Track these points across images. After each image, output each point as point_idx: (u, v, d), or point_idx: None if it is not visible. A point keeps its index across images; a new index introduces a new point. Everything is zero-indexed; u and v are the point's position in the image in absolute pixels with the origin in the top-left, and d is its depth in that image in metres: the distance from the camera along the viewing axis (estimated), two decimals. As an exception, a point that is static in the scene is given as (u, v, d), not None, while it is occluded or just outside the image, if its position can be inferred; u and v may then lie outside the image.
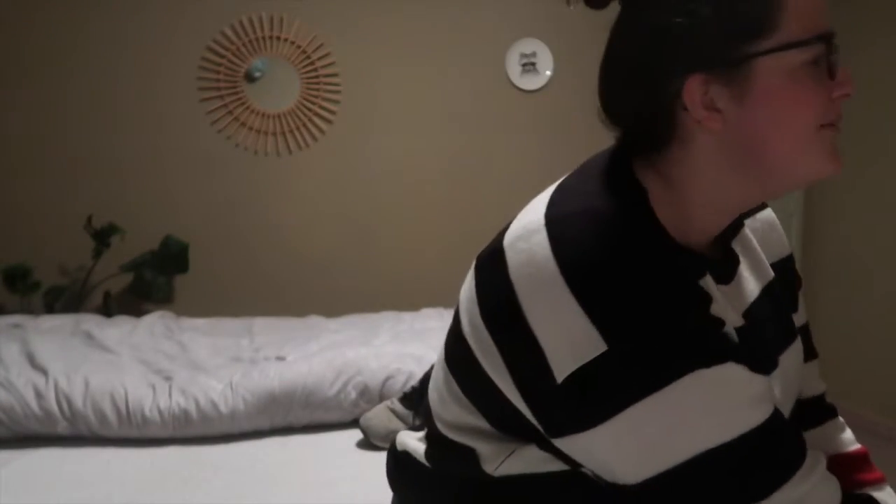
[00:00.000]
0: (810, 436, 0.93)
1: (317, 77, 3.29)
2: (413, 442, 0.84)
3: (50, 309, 2.91)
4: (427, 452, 0.81)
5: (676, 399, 0.61)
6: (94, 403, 1.73)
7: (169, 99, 3.18)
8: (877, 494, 0.88)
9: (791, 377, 0.82)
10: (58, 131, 3.09)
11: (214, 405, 1.76)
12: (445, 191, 3.46)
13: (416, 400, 1.73)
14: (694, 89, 0.66)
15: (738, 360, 0.64)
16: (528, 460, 0.71)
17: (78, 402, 1.73)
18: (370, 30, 3.35)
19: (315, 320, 2.65)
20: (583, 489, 0.70)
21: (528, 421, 0.69)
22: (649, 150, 0.72)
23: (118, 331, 2.25)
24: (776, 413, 0.65)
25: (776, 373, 0.78)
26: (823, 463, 0.68)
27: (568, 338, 0.62)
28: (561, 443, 0.67)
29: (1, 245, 3.03)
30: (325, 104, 3.31)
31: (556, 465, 0.70)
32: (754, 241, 0.85)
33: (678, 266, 0.66)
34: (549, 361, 0.63)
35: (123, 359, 2.01)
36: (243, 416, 1.77)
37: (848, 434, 0.97)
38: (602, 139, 0.78)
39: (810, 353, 0.94)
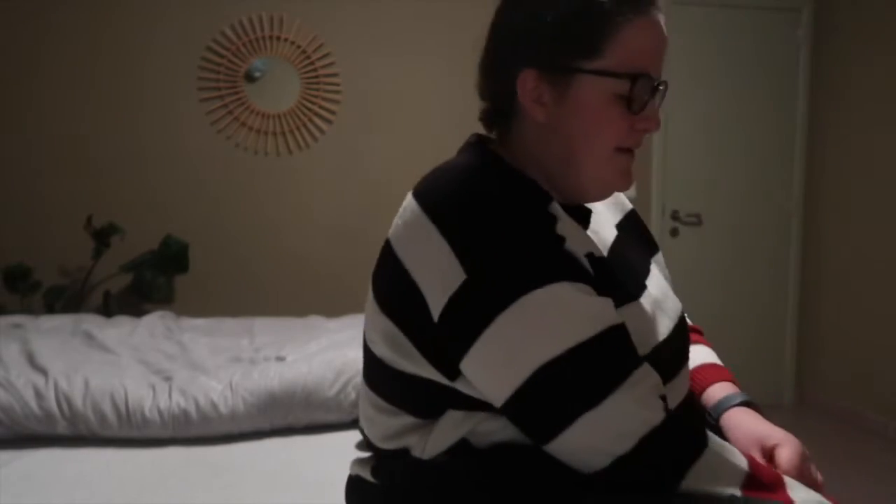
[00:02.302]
0: None
1: (317, 77, 3.29)
2: (360, 465, 0.91)
3: (50, 309, 2.91)
4: (373, 472, 0.87)
5: (516, 318, 0.69)
6: (94, 404, 1.73)
7: (169, 99, 3.18)
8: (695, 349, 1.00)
9: (660, 296, 0.89)
10: (58, 131, 3.09)
11: (214, 405, 1.75)
12: (445, 191, 3.46)
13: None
14: (526, 80, 0.79)
15: (574, 278, 0.71)
16: (448, 426, 0.77)
17: (78, 402, 1.73)
18: (370, 30, 3.35)
19: (315, 320, 2.64)
20: (499, 458, 0.75)
21: (439, 389, 0.76)
22: (499, 124, 0.86)
23: (118, 331, 2.25)
24: (610, 333, 0.72)
25: (646, 294, 0.87)
26: (655, 386, 0.73)
27: (438, 274, 0.71)
28: (459, 383, 0.74)
29: (1, 245, 3.03)
30: (325, 104, 3.31)
31: (473, 420, 0.76)
32: (599, 207, 0.96)
33: (526, 193, 0.76)
34: (428, 304, 0.72)
35: (123, 359, 2.01)
36: (243, 416, 1.77)
37: (705, 352, 1.05)
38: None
39: None
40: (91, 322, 2.37)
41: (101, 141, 3.14)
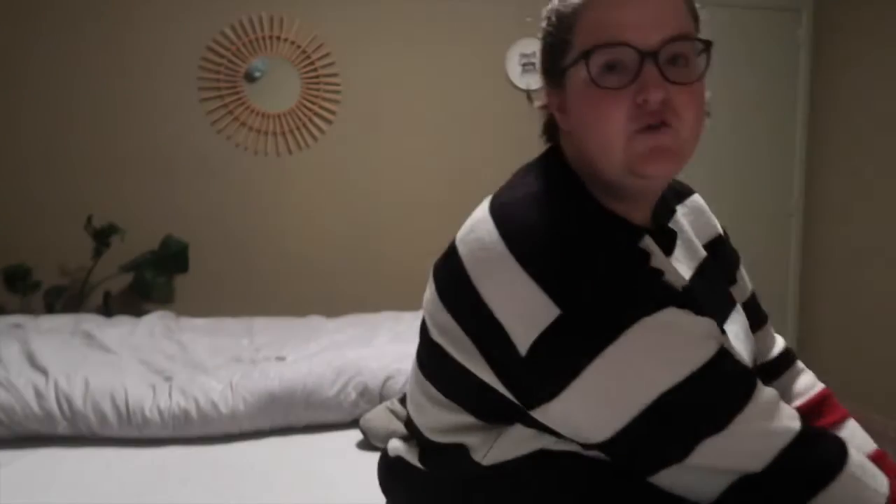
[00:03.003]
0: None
1: (317, 77, 3.29)
2: (405, 447, 0.86)
3: (50, 309, 2.91)
4: (420, 458, 0.83)
5: (627, 350, 0.64)
6: (94, 403, 1.73)
7: (169, 99, 3.18)
8: (840, 433, 0.90)
9: (740, 348, 0.85)
10: (58, 131, 3.09)
11: (214, 405, 1.75)
12: (445, 190, 3.46)
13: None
14: (550, 96, 0.81)
15: (680, 305, 0.68)
16: (514, 440, 0.73)
17: (78, 402, 1.73)
18: (370, 30, 3.35)
19: (315, 320, 2.64)
20: (570, 467, 0.72)
21: (507, 401, 0.72)
22: (555, 138, 0.84)
23: (118, 331, 2.25)
24: (723, 350, 0.68)
25: (728, 328, 0.82)
26: (776, 396, 0.70)
27: (523, 310, 0.67)
28: (537, 414, 0.70)
29: (1, 245, 3.03)
30: (325, 104, 3.31)
31: (541, 441, 0.72)
32: (686, 227, 0.92)
33: (615, 230, 0.73)
34: (510, 336, 0.67)
35: (123, 359, 2.01)
36: (243, 416, 1.77)
37: (805, 381, 0.99)
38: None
39: (762, 319, 0.99)
40: (91, 322, 2.37)
41: (101, 141, 3.13)
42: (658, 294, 0.68)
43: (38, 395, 1.74)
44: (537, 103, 0.85)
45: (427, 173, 3.46)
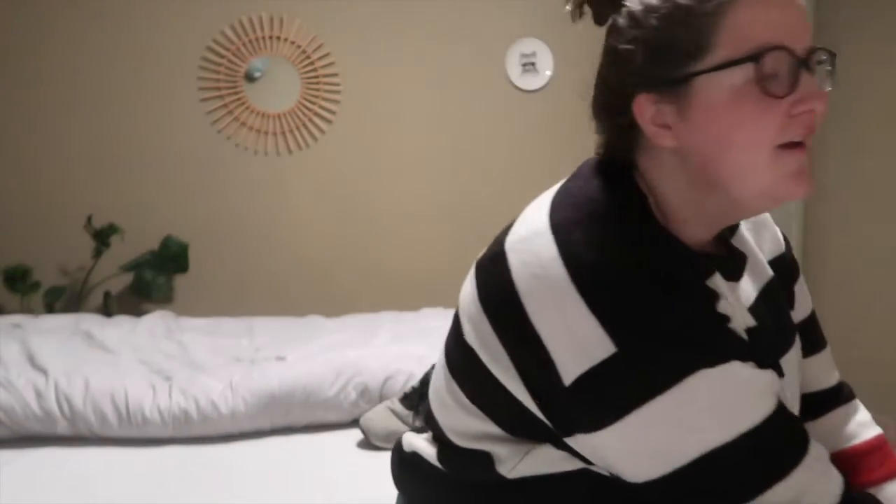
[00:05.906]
0: (817, 426, 0.91)
1: (317, 77, 3.29)
2: (422, 443, 0.83)
3: (50, 309, 2.91)
4: (439, 456, 0.80)
5: (682, 400, 0.61)
6: (94, 403, 1.73)
7: (169, 99, 3.18)
8: (891, 487, 0.86)
9: (794, 377, 0.81)
10: (58, 131, 3.09)
11: (214, 405, 1.76)
12: (445, 190, 3.46)
13: (415, 400, 1.73)
14: (642, 107, 0.69)
15: (743, 358, 0.64)
16: (544, 460, 0.71)
17: (78, 402, 1.73)
18: (370, 30, 3.35)
19: (315, 320, 2.65)
20: (596, 487, 0.70)
21: (540, 422, 0.69)
22: (627, 160, 0.74)
23: (118, 331, 2.25)
24: (780, 407, 0.65)
25: (786, 361, 0.77)
26: (825, 456, 0.68)
27: (575, 339, 0.63)
28: (572, 441, 0.67)
29: (1, 245, 3.03)
30: (325, 104, 3.31)
31: (572, 464, 0.70)
32: (751, 241, 0.85)
33: (684, 266, 0.68)
34: (556, 363, 0.64)
35: (123, 359, 2.01)
36: (243, 416, 1.77)
37: (858, 421, 0.93)
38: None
39: (819, 343, 0.93)
40: (91, 322, 2.37)
41: (101, 141, 3.13)
42: (722, 344, 0.64)
43: (38, 395, 1.74)
44: (602, 116, 0.75)
45: (427, 173, 3.46)
